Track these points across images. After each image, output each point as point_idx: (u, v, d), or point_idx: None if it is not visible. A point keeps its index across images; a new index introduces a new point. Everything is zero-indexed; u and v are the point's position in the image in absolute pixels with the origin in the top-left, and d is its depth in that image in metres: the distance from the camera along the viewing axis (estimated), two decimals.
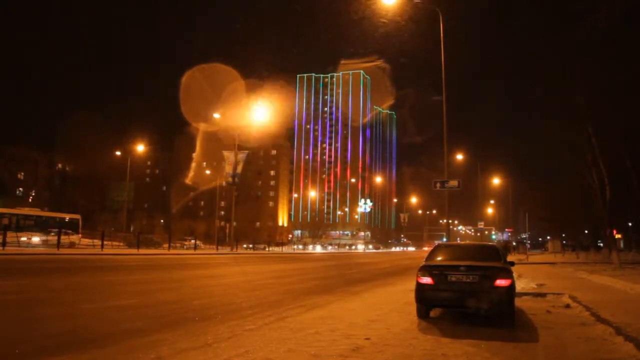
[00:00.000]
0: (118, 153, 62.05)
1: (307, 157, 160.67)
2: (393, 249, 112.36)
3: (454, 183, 17.52)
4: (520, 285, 13.16)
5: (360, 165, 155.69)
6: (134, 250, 31.51)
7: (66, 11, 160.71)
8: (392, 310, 8.76)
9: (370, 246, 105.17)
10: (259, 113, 42.14)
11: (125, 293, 10.65)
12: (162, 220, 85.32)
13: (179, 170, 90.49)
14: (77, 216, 36.44)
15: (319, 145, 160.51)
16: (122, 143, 61.18)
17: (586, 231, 50.25)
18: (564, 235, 64.38)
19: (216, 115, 44.50)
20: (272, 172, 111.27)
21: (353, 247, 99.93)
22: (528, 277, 16.67)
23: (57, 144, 66.91)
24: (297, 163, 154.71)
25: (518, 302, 9.13)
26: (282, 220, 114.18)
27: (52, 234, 29.97)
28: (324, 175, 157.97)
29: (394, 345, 5.91)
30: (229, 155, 34.48)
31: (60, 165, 76.57)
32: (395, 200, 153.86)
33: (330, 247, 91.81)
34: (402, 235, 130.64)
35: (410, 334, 6.73)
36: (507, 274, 7.32)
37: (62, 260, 19.92)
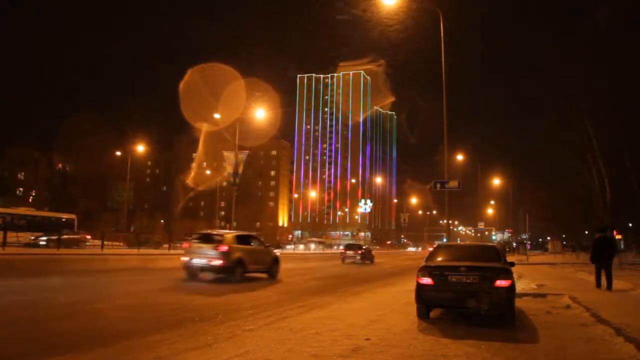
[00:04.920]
0: (118, 153, 62.02)
1: (307, 157, 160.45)
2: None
3: (454, 184, 17.48)
4: (520, 286, 13.14)
5: (360, 166, 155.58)
6: (134, 251, 31.52)
7: (66, 10, 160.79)
8: (392, 311, 8.75)
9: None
10: (259, 113, 42.01)
11: (125, 293, 10.65)
12: (162, 220, 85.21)
13: (179, 170, 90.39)
14: (73, 216, 36.65)
15: (319, 145, 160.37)
16: (122, 143, 61.18)
17: (586, 232, 50.09)
18: (564, 236, 64.26)
19: (216, 116, 44.32)
20: (272, 172, 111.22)
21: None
22: (528, 278, 16.67)
23: (57, 144, 66.63)
24: (297, 163, 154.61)
25: (518, 303, 9.12)
26: (283, 220, 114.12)
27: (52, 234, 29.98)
28: (324, 176, 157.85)
29: (394, 346, 5.91)
30: (229, 155, 34.30)
31: (60, 165, 76.37)
32: (395, 200, 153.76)
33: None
34: (402, 236, 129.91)
35: (410, 334, 6.72)
36: (507, 275, 7.32)
37: (61, 261, 19.92)
